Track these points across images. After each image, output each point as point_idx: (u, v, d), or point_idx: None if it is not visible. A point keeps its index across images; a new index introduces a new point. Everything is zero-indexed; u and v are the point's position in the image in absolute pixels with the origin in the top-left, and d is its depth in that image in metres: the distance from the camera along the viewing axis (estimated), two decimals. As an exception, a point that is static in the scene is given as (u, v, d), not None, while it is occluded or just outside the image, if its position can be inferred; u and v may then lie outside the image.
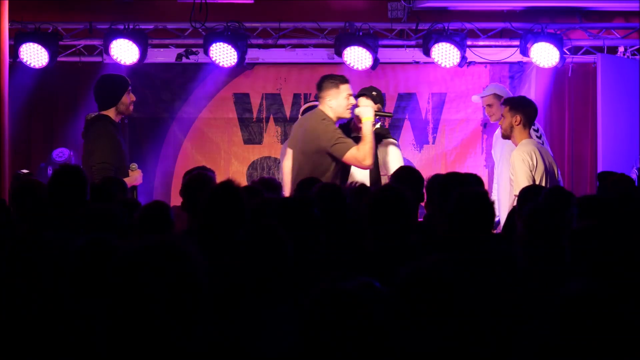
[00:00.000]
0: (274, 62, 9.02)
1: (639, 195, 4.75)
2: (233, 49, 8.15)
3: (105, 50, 8.25)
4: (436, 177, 5.11)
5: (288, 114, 9.35)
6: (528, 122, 6.46)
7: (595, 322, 2.42)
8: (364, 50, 8.15)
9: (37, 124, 9.23)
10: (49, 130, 9.21)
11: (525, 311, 3.37)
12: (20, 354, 3.08)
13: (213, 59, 8.25)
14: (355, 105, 6.61)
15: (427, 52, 8.29)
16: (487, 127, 9.18)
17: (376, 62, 8.26)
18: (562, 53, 8.21)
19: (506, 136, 6.55)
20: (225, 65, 8.29)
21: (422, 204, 5.24)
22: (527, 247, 3.91)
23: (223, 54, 8.21)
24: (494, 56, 8.75)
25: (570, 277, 3.37)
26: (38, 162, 8.71)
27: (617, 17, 8.90)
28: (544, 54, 8.22)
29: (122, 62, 8.23)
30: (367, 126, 6.45)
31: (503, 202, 6.78)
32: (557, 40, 8.18)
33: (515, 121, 6.43)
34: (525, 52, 8.32)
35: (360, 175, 6.61)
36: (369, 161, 6.38)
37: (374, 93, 6.87)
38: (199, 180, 5.07)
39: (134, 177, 6.81)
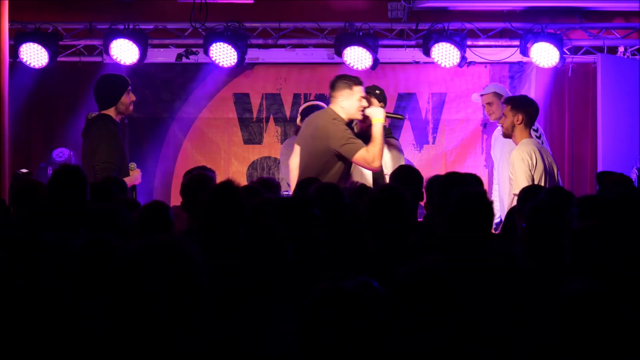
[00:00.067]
0: (274, 62, 9.02)
1: (639, 195, 4.74)
2: (233, 49, 8.15)
3: (105, 50, 8.25)
4: (436, 178, 5.12)
5: (288, 114, 9.35)
6: (530, 121, 6.47)
7: (595, 322, 2.42)
8: (364, 50, 8.15)
9: (37, 124, 9.23)
10: (49, 130, 9.21)
11: (525, 311, 3.37)
12: (20, 354, 3.09)
13: (213, 59, 8.25)
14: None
15: (427, 52, 8.29)
16: (487, 127, 9.18)
17: (376, 62, 8.26)
18: (562, 53, 8.21)
19: (507, 135, 6.55)
20: (225, 65, 8.29)
21: (422, 203, 5.24)
22: (528, 247, 3.91)
23: (223, 54, 8.21)
24: (494, 56, 8.75)
25: (570, 277, 3.37)
26: (38, 162, 8.71)
27: (617, 17, 8.90)
28: (544, 54, 8.22)
29: (122, 62, 8.23)
30: (378, 128, 6.45)
31: (505, 203, 6.77)
32: (557, 40, 8.18)
33: (517, 120, 6.43)
34: (525, 52, 8.32)
35: (364, 174, 6.63)
36: (377, 163, 6.38)
37: (377, 92, 6.88)
38: (199, 180, 5.07)
39: (134, 176, 6.82)
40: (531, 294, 3.50)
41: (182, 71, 9.22)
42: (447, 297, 2.60)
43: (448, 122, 9.36)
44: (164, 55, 8.81)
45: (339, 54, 8.24)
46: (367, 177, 6.65)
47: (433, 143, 9.39)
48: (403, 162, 6.77)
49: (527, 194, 4.89)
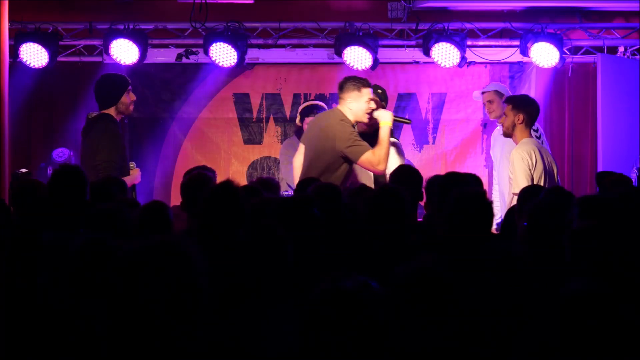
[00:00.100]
0: (274, 62, 9.02)
1: (639, 195, 4.74)
2: (233, 49, 8.15)
3: (105, 50, 8.25)
4: (436, 178, 5.12)
5: (288, 114, 9.35)
6: (530, 121, 6.47)
7: (595, 322, 2.42)
8: (364, 50, 8.15)
9: (37, 124, 9.23)
10: (49, 130, 9.21)
11: (525, 311, 3.37)
12: (20, 354, 3.09)
13: (213, 59, 8.25)
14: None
15: (427, 52, 8.29)
16: (487, 127, 9.18)
17: (376, 62, 8.26)
18: (562, 53, 8.21)
19: (507, 135, 6.55)
20: (225, 65, 8.29)
21: (422, 203, 5.24)
22: (528, 247, 3.91)
23: (223, 54, 8.21)
24: (494, 56, 8.75)
25: (570, 277, 3.37)
26: (38, 162, 8.71)
27: (617, 17, 8.90)
28: (544, 54, 8.22)
29: (122, 62, 8.23)
30: (385, 131, 6.44)
31: (506, 202, 6.76)
32: (557, 40, 8.18)
33: (518, 120, 6.43)
34: (525, 52, 8.32)
35: (367, 174, 6.63)
36: (382, 166, 6.38)
37: (379, 91, 6.88)
38: (198, 180, 5.07)
39: (134, 175, 6.81)
40: (531, 294, 3.50)
41: (182, 71, 9.23)
42: (447, 297, 2.60)
43: (448, 122, 9.36)
44: (164, 55, 8.81)
45: (339, 54, 8.24)
46: (370, 177, 6.65)
47: (433, 143, 9.39)
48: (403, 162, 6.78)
49: (527, 194, 4.88)
